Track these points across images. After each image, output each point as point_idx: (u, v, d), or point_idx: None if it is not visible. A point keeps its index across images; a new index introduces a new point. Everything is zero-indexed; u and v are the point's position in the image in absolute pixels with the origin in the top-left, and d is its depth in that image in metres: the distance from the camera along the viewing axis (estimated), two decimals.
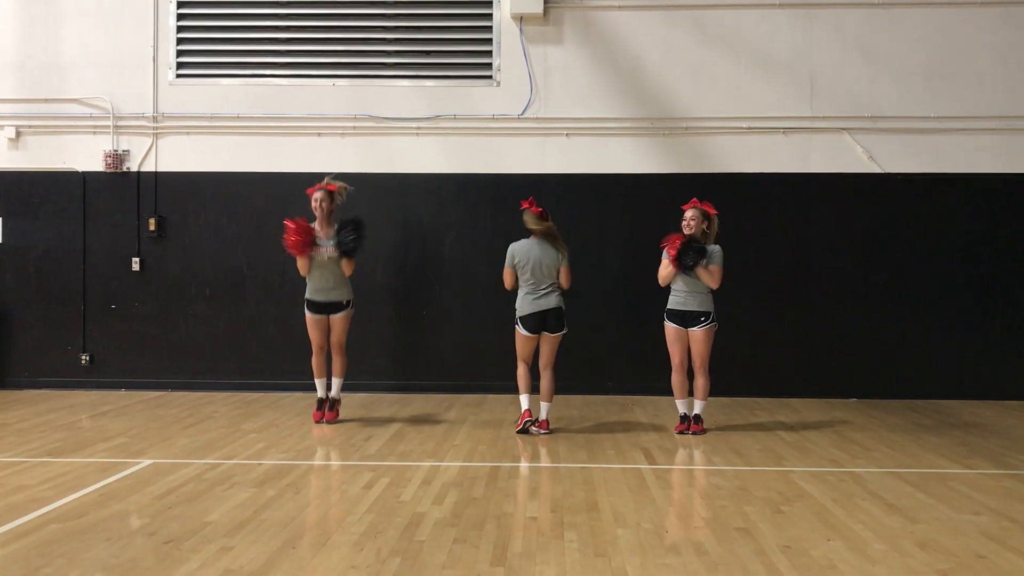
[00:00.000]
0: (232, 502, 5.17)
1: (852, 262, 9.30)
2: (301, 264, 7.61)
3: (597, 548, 4.40)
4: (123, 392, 9.33)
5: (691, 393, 7.53)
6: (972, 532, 4.70)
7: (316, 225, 7.63)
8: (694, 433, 7.36)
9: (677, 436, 7.35)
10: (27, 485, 5.50)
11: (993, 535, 4.65)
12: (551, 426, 7.44)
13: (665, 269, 7.47)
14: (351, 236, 7.53)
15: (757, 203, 9.29)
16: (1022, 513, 5.07)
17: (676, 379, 7.52)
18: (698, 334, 7.40)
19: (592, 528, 4.73)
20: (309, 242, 7.53)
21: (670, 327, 7.54)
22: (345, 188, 7.80)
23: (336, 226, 7.60)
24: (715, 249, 7.37)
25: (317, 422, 7.70)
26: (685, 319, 7.47)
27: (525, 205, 7.40)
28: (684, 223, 7.42)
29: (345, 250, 7.54)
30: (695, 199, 7.51)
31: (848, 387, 9.23)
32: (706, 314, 7.41)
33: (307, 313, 7.70)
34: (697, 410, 7.47)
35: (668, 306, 7.57)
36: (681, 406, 7.55)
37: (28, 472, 5.85)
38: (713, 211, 7.49)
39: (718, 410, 8.38)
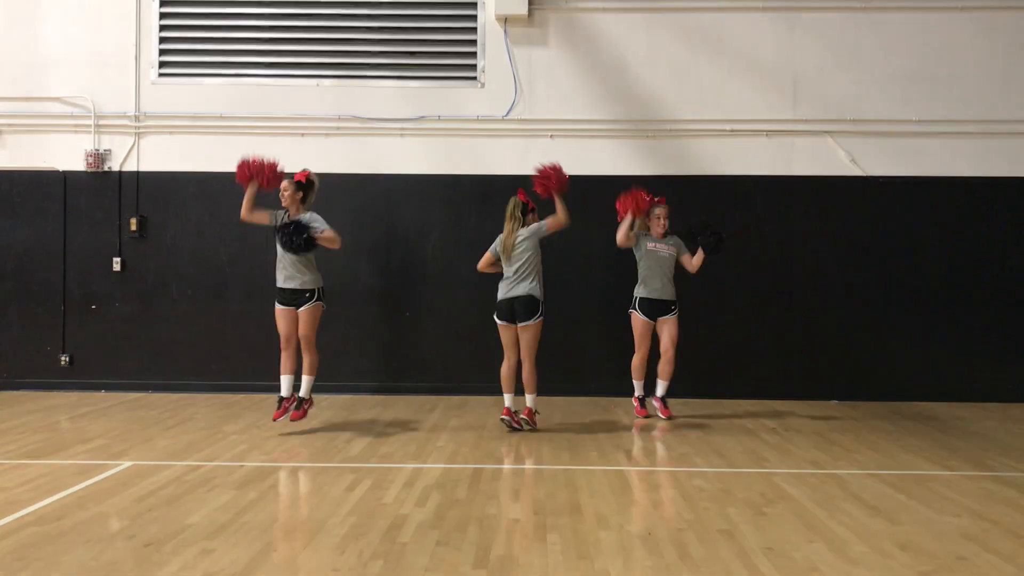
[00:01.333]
0: (213, 504, 5.14)
1: (834, 264, 9.34)
2: (246, 199, 7.28)
3: (580, 550, 4.40)
4: (103, 393, 9.25)
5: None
6: (953, 534, 4.73)
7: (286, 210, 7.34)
8: (669, 418, 7.90)
9: (644, 420, 8.00)
10: (5, 487, 5.45)
11: (973, 536, 4.68)
12: (536, 425, 7.47)
13: (624, 228, 7.98)
14: (292, 237, 7.10)
15: (740, 205, 9.32)
16: (1002, 515, 5.10)
17: (639, 363, 8.09)
18: (671, 321, 7.96)
19: (575, 530, 4.72)
20: (257, 175, 7.22)
21: (640, 320, 8.03)
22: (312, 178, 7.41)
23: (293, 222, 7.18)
24: (679, 241, 8.10)
25: (276, 420, 7.32)
26: (657, 309, 7.95)
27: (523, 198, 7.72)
28: (657, 222, 8.00)
29: (291, 249, 7.16)
30: (662, 198, 8.08)
31: (829, 389, 9.27)
32: (675, 302, 7.99)
33: (276, 304, 7.39)
34: (662, 392, 8.01)
35: (642, 295, 8.02)
36: (639, 387, 8.19)
37: (6, 474, 5.80)
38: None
39: (700, 411, 8.40)
